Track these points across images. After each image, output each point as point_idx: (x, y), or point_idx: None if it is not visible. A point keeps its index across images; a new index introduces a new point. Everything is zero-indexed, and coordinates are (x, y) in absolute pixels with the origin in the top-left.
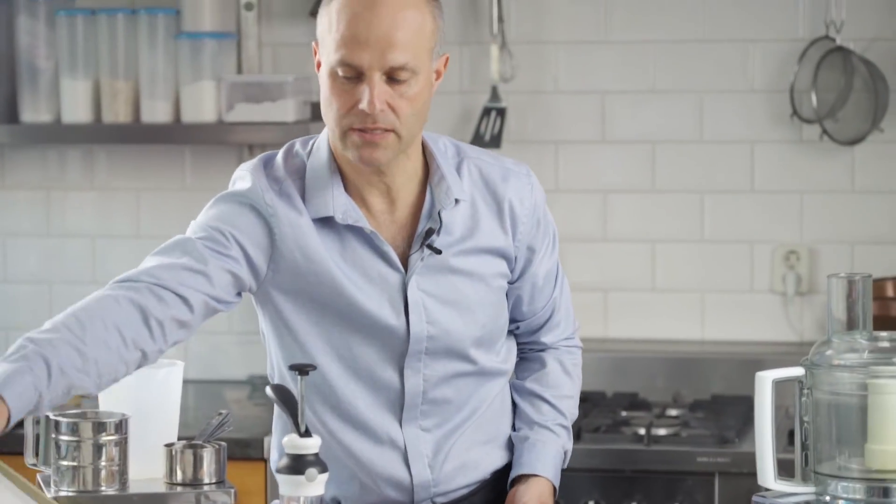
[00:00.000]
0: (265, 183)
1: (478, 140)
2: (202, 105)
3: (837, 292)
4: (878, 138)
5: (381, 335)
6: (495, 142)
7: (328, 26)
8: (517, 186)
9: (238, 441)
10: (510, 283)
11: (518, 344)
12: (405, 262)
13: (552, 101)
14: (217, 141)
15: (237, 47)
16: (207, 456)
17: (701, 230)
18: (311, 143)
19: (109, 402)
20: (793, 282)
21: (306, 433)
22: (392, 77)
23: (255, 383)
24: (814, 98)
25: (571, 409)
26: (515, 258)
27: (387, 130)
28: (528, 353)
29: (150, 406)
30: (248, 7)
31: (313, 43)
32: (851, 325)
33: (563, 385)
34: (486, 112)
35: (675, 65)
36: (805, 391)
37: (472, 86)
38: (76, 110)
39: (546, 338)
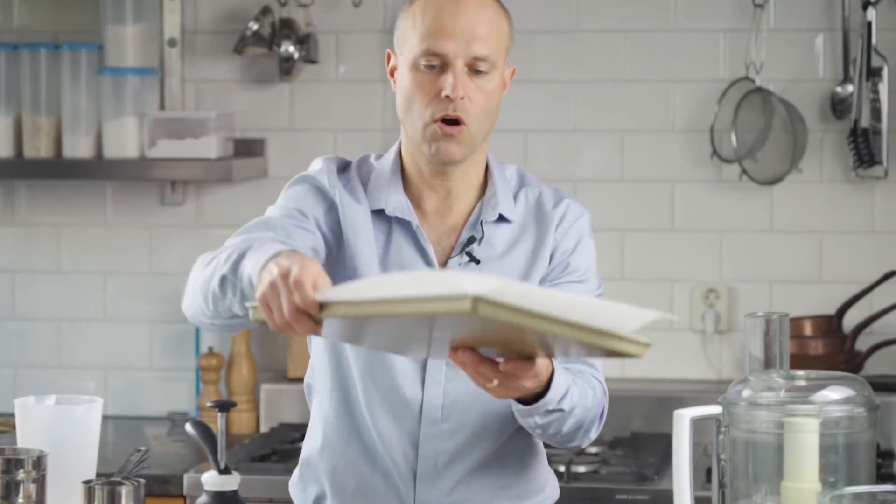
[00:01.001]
0: (333, 167)
1: None
2: (124, 141)
3: (755, 331)
4: (797, 178)
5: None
6: None
7: (411, 24)
8: (566, 209)
9: (157, 477)
10: None
11: None
12: (445, 265)
13: None
14: (139, 177)
15: (160, 83)
16: (126, 493)
17: (621, 268)
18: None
19: (27, 438)
20: (712, 320)
21: (225, 470)
22: (472, 68)
23: (175, 420)
24: (733, 138)
25: (581, 389)
26: (549, 270)
27: (463, 124)
28: None
29: (68, 442)
30: (172, 43)
31: (388, 51)
32: (769, 363)
33: (575, 381)
34: None
35: (596, 104)
36: (722, 429)
37: (395, 123)
38: None
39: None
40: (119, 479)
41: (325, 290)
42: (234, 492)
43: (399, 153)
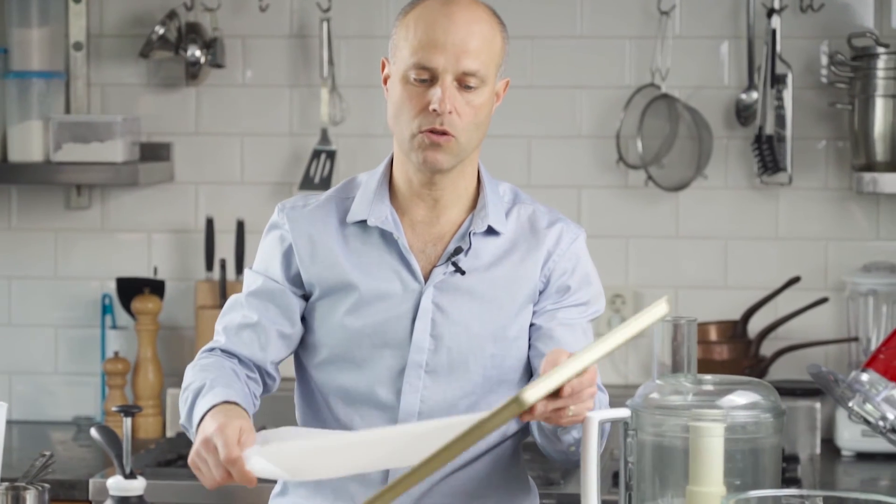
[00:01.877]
0: (286, 204)
1: (307, 183)
2: (29, 145)
3: (663, 336)
4: (702, 184)
5: (384, 340)
6: (325, 184)
7: (404, 35)
8: (560, 231)
9: (63, 483)
10: (531, 324)
11: None
12: (430, 274)
13: (382, 144)
14: (44, 181)
15: (66, 87)
16: (30, 498)
17: None
18: None
19: None
20: (618, 325)
21: (131, 475)
22: (462, 83)
23: (81, 424)
24: (639, 144)
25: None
26: (540, 293)
27: (451, 135)
28: None
29: None
30: (77, 47)
31: (383, 59)
32: (676, 368)
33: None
34: (316, 154)
35: (503, 110)
36: (630, 432)
37: (302, 128)
38: None
39: None
40: (24, 483)
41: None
42: (140, 497)
43: (389, 164)
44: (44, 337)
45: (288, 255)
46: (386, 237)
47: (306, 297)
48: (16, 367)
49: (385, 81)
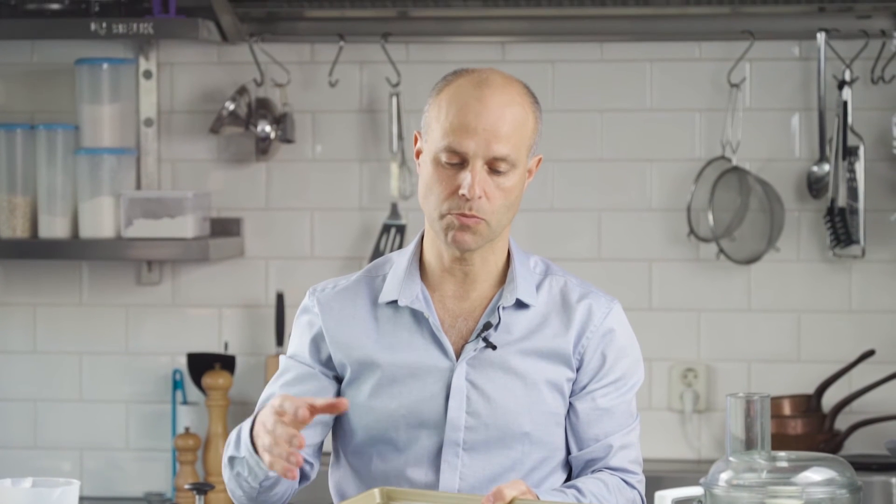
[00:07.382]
0: (318, 287)
1: (378, 257)
2: (101, 221)
3: (736, 411)
4: (774, 257)
5: (420, 421)
6: None
7: (436, 115)
8: (592, 304)
9: None
10: (570, 404)
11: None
12: (461, 350)
13: None
14: (115, 257)
15: (136, 163)
16: None
17: None
18: None
19: None
20: (690, 399)
21: None
22: (492, 168)
23: (152, 500)
24: (710, 217)
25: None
26: (577, 370)
27: (480, 219)
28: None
29: None
30: (148, 123)
31: (416, 132)
32: (750, 444)
33: (595, 488)
34: (386, 229)
35: (572, 183)
36: None
37: (372, 203)
38: None
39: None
40: None
41: None
42: None
43: (420, 241)
44: (114, 413)
45: (317, 340)
46: (417, 316)
47: (339, 380)
48: (87, 442)
49: (417, 155)
